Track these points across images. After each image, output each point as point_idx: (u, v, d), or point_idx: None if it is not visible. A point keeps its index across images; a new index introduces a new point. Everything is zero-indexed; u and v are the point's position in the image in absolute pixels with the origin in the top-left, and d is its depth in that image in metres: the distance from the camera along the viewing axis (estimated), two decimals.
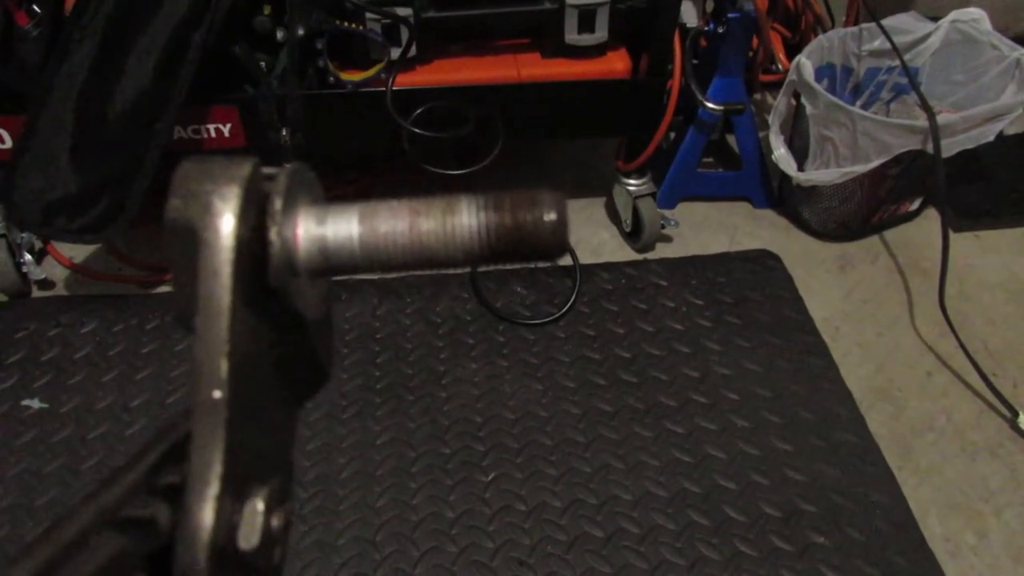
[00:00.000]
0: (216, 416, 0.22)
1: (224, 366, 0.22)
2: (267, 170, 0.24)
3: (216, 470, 0.21)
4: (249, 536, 0.22)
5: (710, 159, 1.54)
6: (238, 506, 0.22)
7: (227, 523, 0.21)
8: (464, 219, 0.25)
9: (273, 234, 0.24)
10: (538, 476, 1.06)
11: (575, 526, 1.01)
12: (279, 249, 0.24)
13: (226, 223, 0.22)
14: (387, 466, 1.07)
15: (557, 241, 0.25)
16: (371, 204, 0.25)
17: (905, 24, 1.40)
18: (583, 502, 1.03)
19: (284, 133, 1.17)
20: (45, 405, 1.14)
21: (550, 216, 0.25)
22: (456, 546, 0.99)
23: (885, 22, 1.36)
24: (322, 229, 0.24)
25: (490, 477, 1.06)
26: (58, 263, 1.35)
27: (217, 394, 0.22)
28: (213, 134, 1.19)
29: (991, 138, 1.25)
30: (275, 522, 0.23)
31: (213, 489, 0.21)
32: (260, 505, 0.23)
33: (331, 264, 0.25)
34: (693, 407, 1.14)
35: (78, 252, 1.36)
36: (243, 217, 0.23)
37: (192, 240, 0.22)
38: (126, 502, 0.22)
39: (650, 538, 1.00)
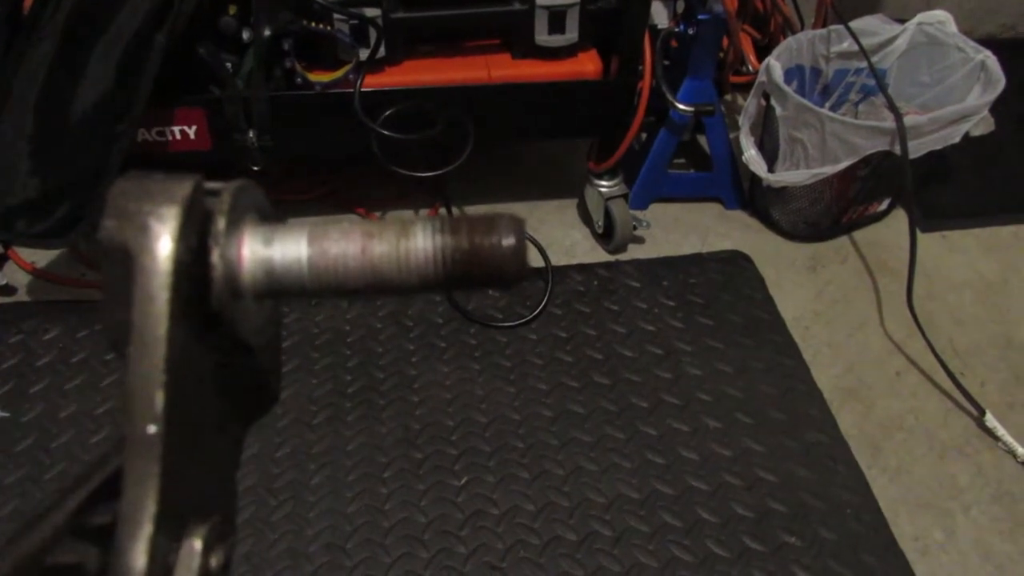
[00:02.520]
0: (150, 452, 0.20)
1: (159, 399, 0.21)
2: (211, 185, 0.23)
3: (149, 509, 0.20)
4: None
5: (681, 160, 1.54)
6: (174, 546, 0.21)
7: (162, 566, 0.20)
8: (419, 243, 0.24)
9: (215, 256, 0.23)
10: (511, 479, 1.05)
11: (548, 529, 1.00)
12: (222, 272, 0.23)
13: (163, 246, 0.21)
14: (358, 472, 1.06)
15: (515, 267, 0.24)
16: (322, 225, 0.24)
17: (872, 26, 1.41)
18: (556, 505, 1.03)
19: (251, 135, 1.15)
20: (6, 414, 1.11)
21: (508, 241, 0.24)
22: (428, 551, 0.98)
23: (853, 24, 1.37)
24: (269, 250, 0.23)
25: (462, 481, 1.05)
26: (20, 268, 1.32)
27: (151, 429, 0.20)
28: (179, 136, 1.17)
29: (957, 139, 1.26)
30: (214, 562, 0.22)
31: (146, 530, 0.20)
32: (198, 544, 0.21)
33: (278, 287, 0.23)
34: (665, 408, 1.14)
35: (40, 257, 1.33)
36: (182, 239, 0.21)
37: (128, 264, 0.21)
38: (50, 547, 0.20)
39: (623, 540, 0.99)
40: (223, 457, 0.25)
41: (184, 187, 0.22)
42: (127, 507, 0.20)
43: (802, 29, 1.61)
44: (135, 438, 0.21)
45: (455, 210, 1.43)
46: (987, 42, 1.37)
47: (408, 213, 1.46)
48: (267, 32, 1.08)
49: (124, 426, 0.21)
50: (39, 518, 0.21)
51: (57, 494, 0.21)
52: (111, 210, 0.22)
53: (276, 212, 0.25)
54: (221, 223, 0.23)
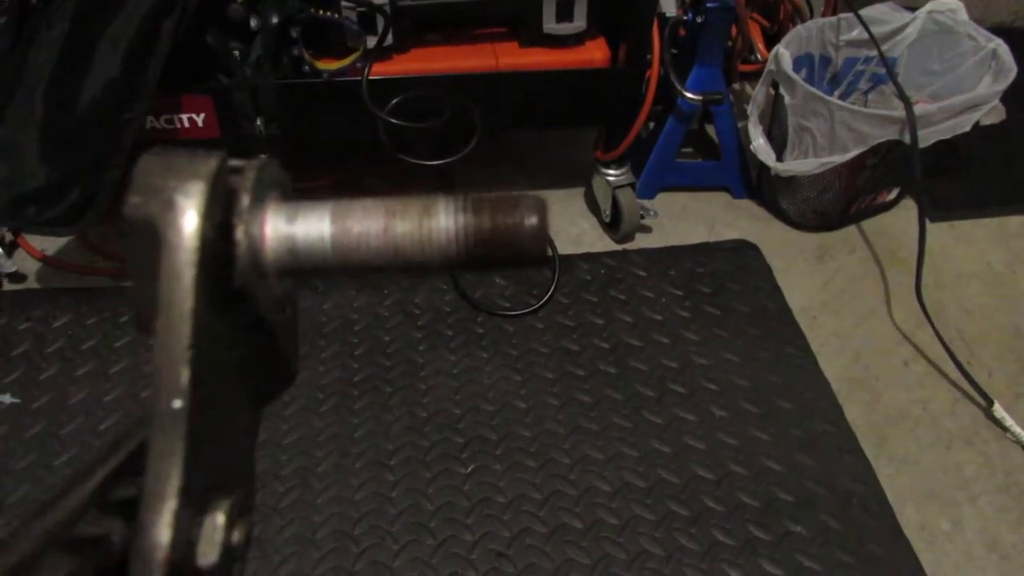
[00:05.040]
0: (175, 427, 0.20)
1: (185, 374, 0.21)
2: (234, 163, 0.23)
3: (174, 484, 0.20)
4: (208, 553, 0.21)
5: (689, 149, 1.54)
6: (197, 521, 0.21)
7: (185, 540, 0.20)
8: (441, 221, 0.24)
9: (240, 233, 0.23)
10: (517, 468, 1.06)
11: (554, 517, 1.01)
12: (246, 249, 0.23)
13: (190, 222, 0.21)
14: (365, 459, 1.06)
15: (537, 247, 0.24)
16: (344, 203, 0.24)
17: (883, 14, 1.40)
18: (562, 493, 1.03)
19: (259, 123, 1.15)
20: (16, 400, 1.12)
21: (531, 221, 0.24)
22: (435, 539, 0.98)
23: (863, 12, 1.36)
24: (292, 228, 0.23)
25: (469, 469, 1.05)
26: (29, 256, 1.32)
27: (177, 403, 0.21)
28: (187, 124, 1.17)
29: (967, 128, 1.25)
30: (235, 537, 0.22)
31: (171, 504, 0.20)
32: (220, 519, 0.22)
33: (300, 265, 0.23)
34: (672, 397, 1.14)
35: (50, 244, 1.34)
36: (208, 215, 0.21)
37: (153, 239, 0.21)
38: (76, 520, 0.20)
39: (629, 529, 1.00)
40: (243, 434, 0.25)
41: (210, 163, 0.22)
42: (152, 481, 0.20)
43: (811, 17, 1.60)
44: (161, 413, 0.21)
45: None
46: (998, 30, 1.36)
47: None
48: (275, 20, 1.08)
49: (150, 401, 0.21)
50: (65, 491, 0.21)
51: (83, 468, 0.22)
52: (136, 186, 0.22)
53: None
54: (245, 200, 0.23)
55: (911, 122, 1.20)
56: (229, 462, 0.24)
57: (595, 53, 1.23)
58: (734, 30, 1.50)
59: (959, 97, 1.24)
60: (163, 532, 0.20)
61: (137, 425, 0.22)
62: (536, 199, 0.24)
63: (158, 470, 0.20)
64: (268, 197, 0.24)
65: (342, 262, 0.24)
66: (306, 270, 0.24)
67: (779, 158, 1.36)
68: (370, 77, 1.13)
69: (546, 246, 0.24)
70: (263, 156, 0.24)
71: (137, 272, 0.22)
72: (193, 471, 0.21)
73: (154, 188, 0.22)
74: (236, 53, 1.12)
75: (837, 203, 1.38)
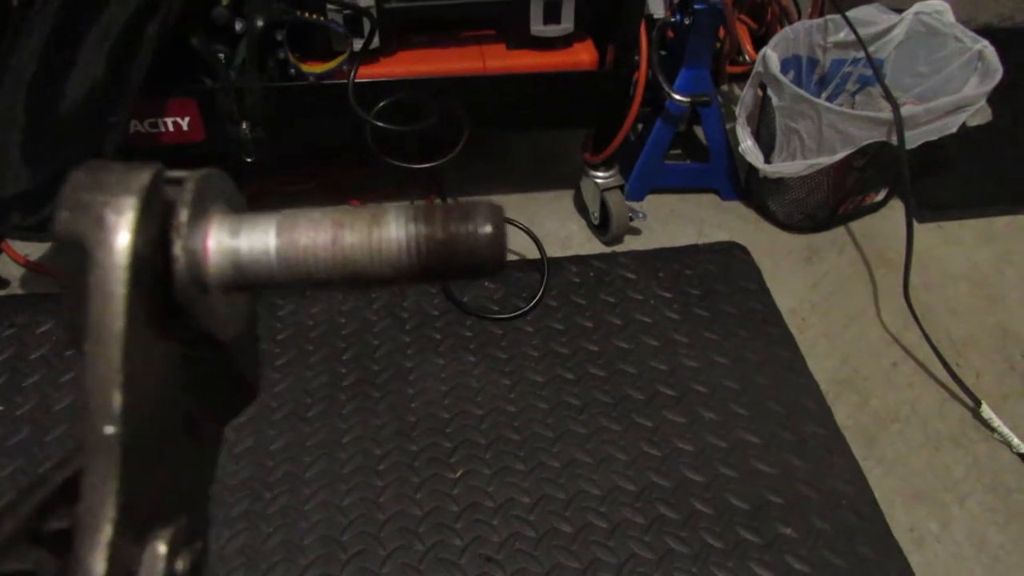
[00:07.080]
0: (109, 453, 0.20)
1: (117, 399, 0.20)
2: (174, 174, 0.22)
3: (109, 513, 0.19)
4: None
5: (678, 151, 1.54)
6: (137, 551, 0.20)
7: (123, 571, 0.20)
8: (392, 232, 0.23)
9: (178, 248, 0.22)
10: (506, 472, 1.05)
11: (543, 522, 1.00)
12: (184, 264, 0.22)
13: (120, 240, 0.20)
14: (353, 464, 1.05)
15: (493, 256, 0.23)
16: (291, 214, 0.23)
17: (870, 16, 1.40)
18: (551, 497, 1.03)
19: (244, 126, 1.14)
20: (0, 407, 1.10)
21: (485, 229, 0.23)
22: (423, 544, 0.98)
23: (850, 14, 1.36)
24: (235, 241, 0.22)
25: (458, 474, 1.05)
26: (13, 261, 1.31)
27: (109, 429, 0.20)
28: (171, 128, 1.16)
29: (954, 130, 1.26)
30: (180, 565, 0.21)
31: (105, 535, 0.19)
32: (162, 548, 0.21)
33: (245, 279, 0.23)
34: (661, 400, 1.14)
35: (34, 250, 1.33)
36: (141, 232, 0.21)
37: (83, 257, 0.20)
38: (3, 554, 0.20)
39: (618, 532, 0.99)
40: (191, 457, 0.24)
41: (142, 177, 0.21)
42: (85, 511, 0.19)
43: (799, 19, 1.60)
44: (93, 439, 0.20)
45: (447, 201, 1.42)
46: (985, 32, 1.36)
47: (402, 204, 1.45)
48: (260, 23, 1.08)
49: (82, 427, 0.20)
50: None
51: (11, 497, 0.21)
52: (65, 202, 0.21)
53: (247, 201, 0.24)
54: (184, 214, 0.22)
55: (898, 123, 1.20)
56: (174, 487, 0.23)
57: (583, 55, 1.22)
58: (722, 32, 1.50)
59: (946, 98, 1.24)
60: (97, 564, 0.19)
61: (74, 452, 0.21)
62: (491, 206, 0.23)
63: (92, 499, 0.19)
64: (211, 210, 0.23)
65: (289, 275, 0.23)
66: (252, 284, 0.23)
67: (767, 160, 1.36)
68: (356, 80, 1.12)
69: (503, 254, 0.23)
70: (208, 168, 0.23)
71: (68, 291, 0.21)
72: (130, 499, 0.20)
73: (83, 204, 0.21)
74: (221, 56, 1.11)
75: (825, 204, 1.38)
